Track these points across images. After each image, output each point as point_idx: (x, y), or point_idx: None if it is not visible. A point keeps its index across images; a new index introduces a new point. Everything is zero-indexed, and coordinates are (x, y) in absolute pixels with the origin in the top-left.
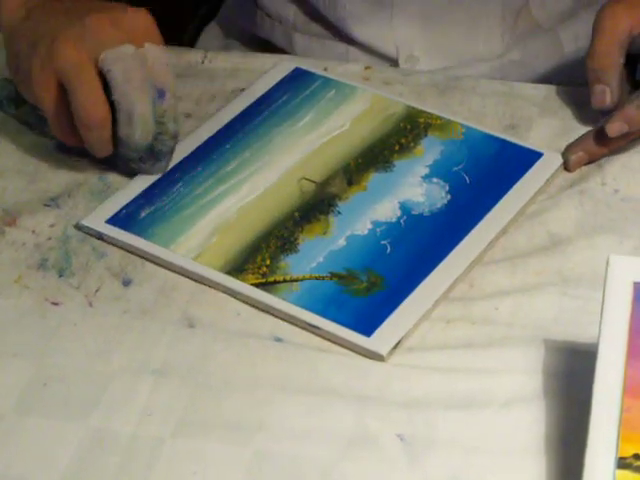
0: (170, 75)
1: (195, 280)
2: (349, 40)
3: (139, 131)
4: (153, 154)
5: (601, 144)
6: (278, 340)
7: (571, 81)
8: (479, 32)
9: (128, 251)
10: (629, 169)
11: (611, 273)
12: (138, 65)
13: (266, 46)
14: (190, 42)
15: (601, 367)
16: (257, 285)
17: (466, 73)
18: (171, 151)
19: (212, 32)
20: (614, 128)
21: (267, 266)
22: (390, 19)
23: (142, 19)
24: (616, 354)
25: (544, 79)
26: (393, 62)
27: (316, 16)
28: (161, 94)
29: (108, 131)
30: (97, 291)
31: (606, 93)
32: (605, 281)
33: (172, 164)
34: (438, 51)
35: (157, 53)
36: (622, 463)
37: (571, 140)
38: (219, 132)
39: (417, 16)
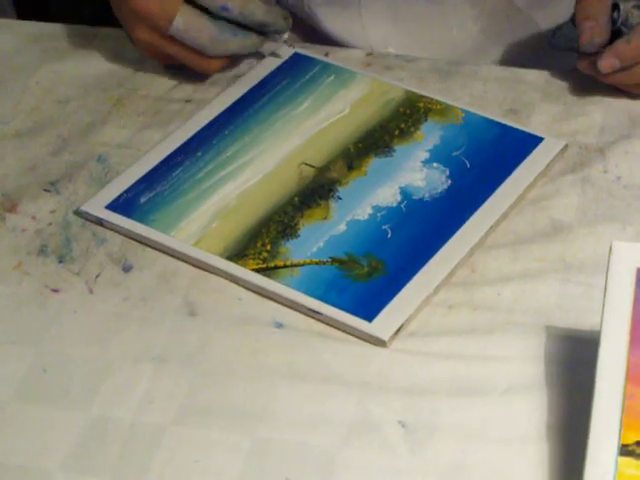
0: None
1: (196, 266)
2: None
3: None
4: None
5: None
6: (279, 326)
7: (548, 61)
8: (450, 18)
9: (128, 237)
10: (631, 156)
11: (614, 260)
12: None
13: None
14: None
15: (604, 354)
16: (258, 270)
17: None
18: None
19: None
20: (606, 64)
21: (268, 251)
22: (360, 19)
23: None
24: (619, 341)
25: (520, 61)
26: None
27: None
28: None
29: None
30: (97, 277)
31: (595, 29)
32: (608, 268)
33: (172, 149)
34: (412, 44)
35: None
36: (625, 450)
37: (572, 125)
38: (219, 117)
39: (386, 13)
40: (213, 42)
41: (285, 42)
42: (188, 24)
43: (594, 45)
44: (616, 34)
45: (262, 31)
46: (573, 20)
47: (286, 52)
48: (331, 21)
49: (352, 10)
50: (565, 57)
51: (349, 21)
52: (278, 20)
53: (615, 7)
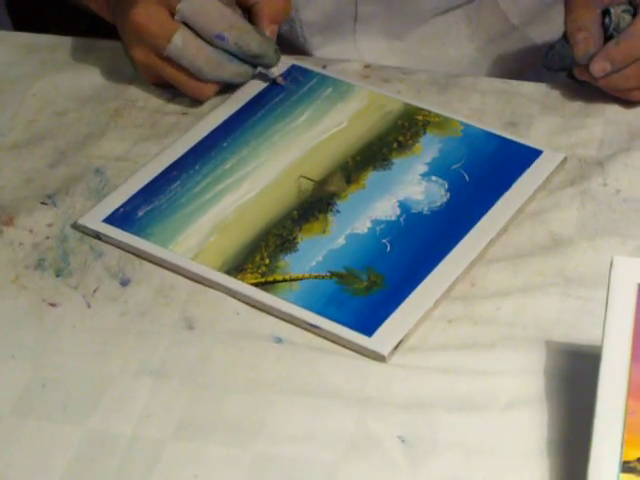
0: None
1: (193, 280)
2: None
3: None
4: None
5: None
6: (278, 340)
7: (545, 78)
8: (446, 37)
9: (126, 250)
10: (631, 169)
11: (615, 275)
12: None
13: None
14: None
15: (605, 369)
16: (256, 285)
17: None
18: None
19: None
20: (597, 67)
21: (266, 265)
22: (355, 44)
23: None
24: (620, 356)
25: (517, 78)
26: None
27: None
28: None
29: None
30: (95, 291)
31: (589, 39)
32: (609, 283)
33: (169, 162)
34: (408, 64)
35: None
36: (626, 467)
37: (571, 138)
38: (216, 130)
39: (380, 36)
40: (210, 64)
41: (277, 78)
42: (186, 43)
43: (589, 56)
44: (609, 40)
45: (252, 62)
46: (565, 36)
47: (283, 64)
48: (326, 48)
49: (347, 36)
50: (563, 74)
51: (344, 47)
52: (270, 53)
53: (605, 13)
